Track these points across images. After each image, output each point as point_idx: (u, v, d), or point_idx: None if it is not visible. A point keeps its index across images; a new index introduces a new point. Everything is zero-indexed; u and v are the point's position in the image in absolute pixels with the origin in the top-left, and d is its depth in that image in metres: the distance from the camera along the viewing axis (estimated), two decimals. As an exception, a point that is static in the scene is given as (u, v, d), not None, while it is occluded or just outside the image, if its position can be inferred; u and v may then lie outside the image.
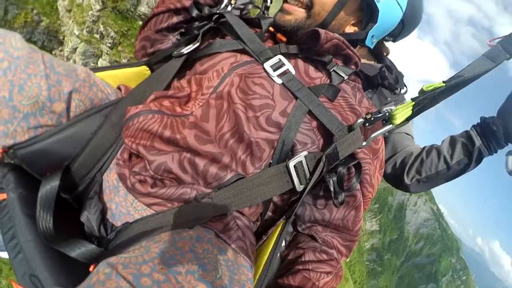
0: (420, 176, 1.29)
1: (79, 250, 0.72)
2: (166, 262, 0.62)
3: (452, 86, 0.96)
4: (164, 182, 0.84)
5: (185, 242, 0.70)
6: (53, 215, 0.76)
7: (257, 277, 0.83)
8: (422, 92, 0.98)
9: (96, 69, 0.98)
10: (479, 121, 1.20)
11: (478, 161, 1.19)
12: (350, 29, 1.06)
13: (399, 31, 1.29)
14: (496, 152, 1.16)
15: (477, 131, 1.19)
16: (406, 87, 1.23)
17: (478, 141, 1.17)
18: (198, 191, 0.81)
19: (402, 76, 1.18)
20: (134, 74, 1.08)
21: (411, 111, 0.96)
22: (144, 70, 1.08)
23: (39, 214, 0.75)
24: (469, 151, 1.19)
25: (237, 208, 0.82)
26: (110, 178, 0.88)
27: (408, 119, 0.98)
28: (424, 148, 1.34)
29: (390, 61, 1.24)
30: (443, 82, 0.97)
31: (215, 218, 0.81)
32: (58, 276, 0.71)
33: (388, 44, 1.35)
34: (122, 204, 0.84)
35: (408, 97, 1.38)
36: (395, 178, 1.37)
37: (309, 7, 1.02)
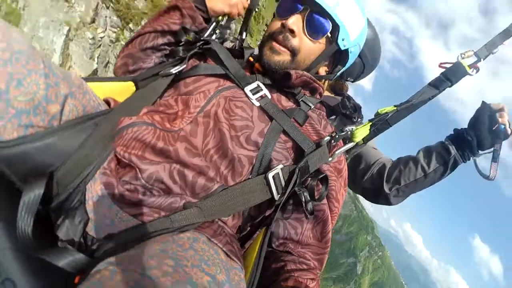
0: (399, 185, 1.39)
1: (67, 260, 0.68)
2: (171, 257, 0.63)
3: (403, 109, 1.15)
4: (152, 192, 0.85)
5: (184, 241, 0.73)
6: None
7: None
8: (377, 114, 1.16)
9: (85, 79, 0.96)
10: (451, 133, 1.35)
11: (453, 168, 1.32)
12: (322, 70, 1.20)
13: (360, 74, 1.47)
14: (469, 159, 1.30)
15: (451, 141, 1.33)
16: (363, 117, 1.36)
17: (453, 151, 1.30)
18: (187, 201, 0.86)
19: (360, 107, 1.33)
20: (121, 89, 1.09)
21: (368, 131, 1.12)
22: (130, 86, 1.11)
23: (20, 223, 0.69)
24: (444, 159, 1.31)
25: (224, 215, 0.88)
26: (94, 188, 0.86)
27: (366, 140, 1.13)
28: (399, 159, 1.46)
29: (348, 95, 1.44)
30: (395, 106, 1.16)
31: (204, 224, 0.86)
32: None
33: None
34: (106, 215, 0.83)
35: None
36: (374, 191, 1.46)
37: (294, 53, 1.07)
